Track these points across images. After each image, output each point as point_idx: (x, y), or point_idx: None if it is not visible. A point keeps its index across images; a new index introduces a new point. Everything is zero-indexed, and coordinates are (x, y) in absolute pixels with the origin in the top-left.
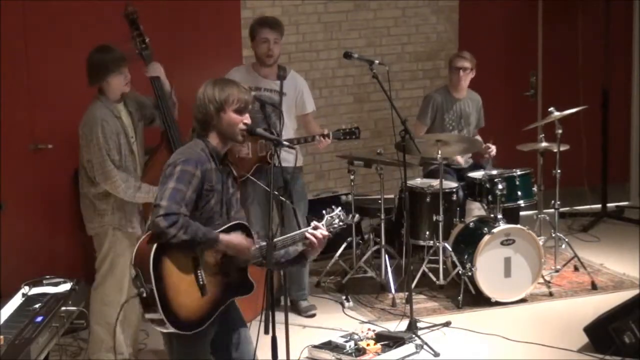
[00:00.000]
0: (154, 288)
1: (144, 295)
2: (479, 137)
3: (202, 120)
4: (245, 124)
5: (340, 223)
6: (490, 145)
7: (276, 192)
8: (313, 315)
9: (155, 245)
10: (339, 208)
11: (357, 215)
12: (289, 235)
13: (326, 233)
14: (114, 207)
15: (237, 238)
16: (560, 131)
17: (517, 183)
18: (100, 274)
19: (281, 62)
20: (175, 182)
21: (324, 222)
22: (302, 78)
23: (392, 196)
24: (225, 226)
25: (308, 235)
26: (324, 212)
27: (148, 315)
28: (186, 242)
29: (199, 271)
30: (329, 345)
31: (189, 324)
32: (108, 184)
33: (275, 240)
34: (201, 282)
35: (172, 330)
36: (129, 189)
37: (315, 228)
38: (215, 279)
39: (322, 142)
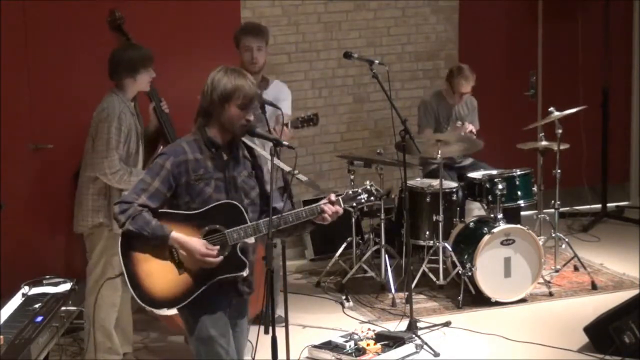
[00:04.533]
0: (124, 272)
1: (120, 274)
2: None
3: (205, 108)
4: (247, 120)
5: (372, 198)
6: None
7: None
8: None
9: (122, 233)
10: (371, 183)
11: (390, 191)
12: (299, 209)
13: (341, 210)
14: (109, 206)
15: (191, 241)
16: (560, 131)
17: (517, 183)
18: (93, 277)
19: (281, 62)
20: (145, 174)
21: (342, 196)
22: (286, 87)
23: (392, 196)
24: (210, 205)
25: (322, 207)
26: (350, 191)
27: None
28: (132, 232)
29: (174, 250)
30: (329, 345)
31: (166, 301)
32: (105, 165)
33: (286, 213)
34: (177, 260)
35: (147, 307)
36: (125, 174)
37: (332, 203)
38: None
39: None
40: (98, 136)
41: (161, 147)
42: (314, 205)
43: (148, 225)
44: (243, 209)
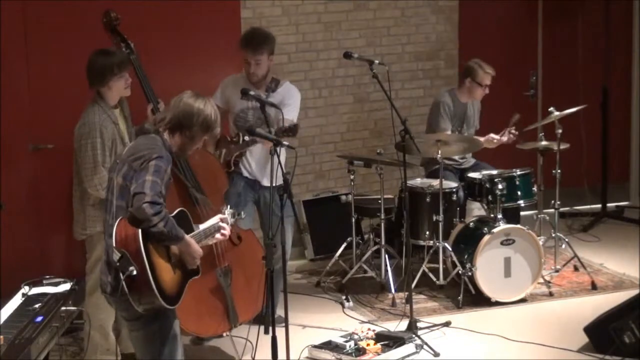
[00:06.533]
0: (147, 265)
1: (134, 273)
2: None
3: (184, 124)
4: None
5: (232, 219)
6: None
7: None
8: None
9: (147, 230)
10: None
11: (242, 213)
12: (207, 226)
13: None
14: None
15: (196, 246)
16: (560, 131)
17: (517, 183)
18: (92, 278)
19: (281, 62)
20: (152, 175)
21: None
22: (295, 91)
23: (392, 196)
24: (176, 211)
25: (221, 224)
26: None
27: (134, 296)
28: (162, 234)
29: (170, 250)
30: (329, 345)
31: (172, 298)
32: (96, 182)
33: (200, 230)
34: (173, 260)
35: (161, 304)
36: None
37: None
38: (178, 259)
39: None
40: (82, 153)
41: None
42: (213, 222)
43: (174, 226)
44: (189, 216)
